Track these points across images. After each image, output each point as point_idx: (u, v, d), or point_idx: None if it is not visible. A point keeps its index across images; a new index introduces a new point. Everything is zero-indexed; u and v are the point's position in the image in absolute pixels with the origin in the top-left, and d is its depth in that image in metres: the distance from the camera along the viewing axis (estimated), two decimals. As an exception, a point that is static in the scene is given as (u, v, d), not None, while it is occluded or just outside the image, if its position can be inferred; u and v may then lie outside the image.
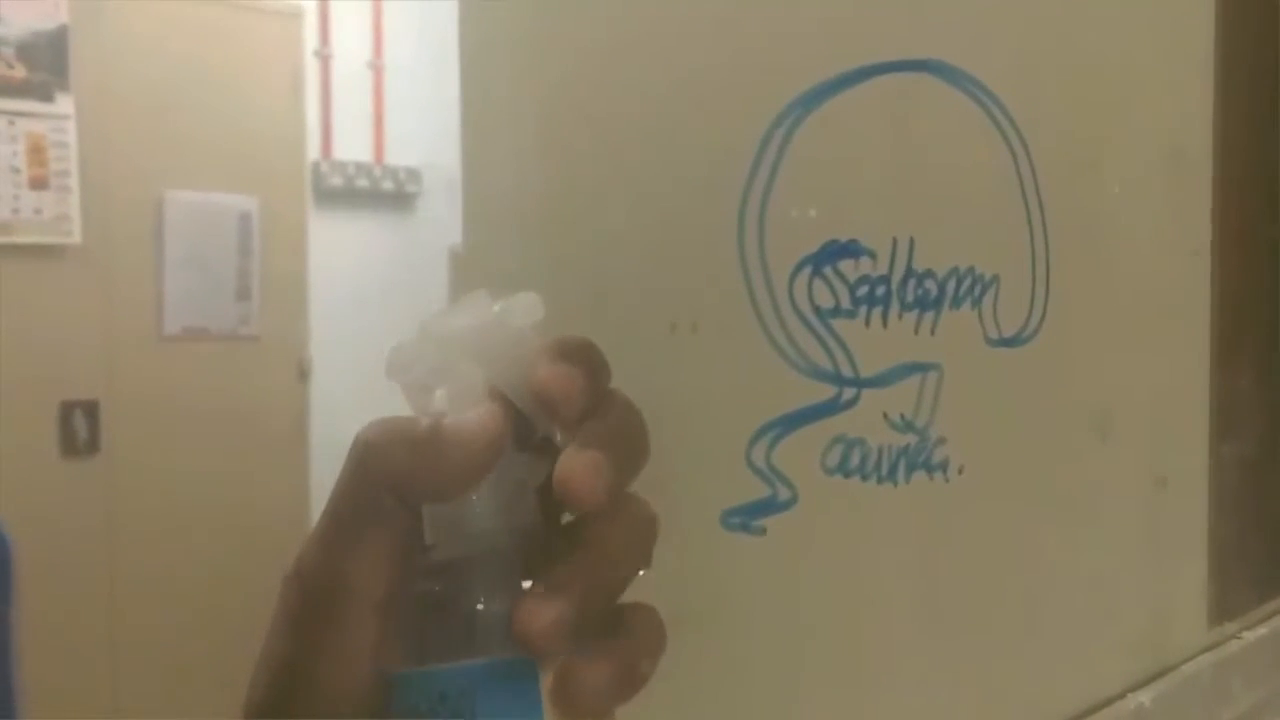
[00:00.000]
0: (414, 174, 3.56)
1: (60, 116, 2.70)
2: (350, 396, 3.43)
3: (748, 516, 0.39)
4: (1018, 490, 0.49)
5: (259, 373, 3.02)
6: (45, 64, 2.68)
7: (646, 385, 0.34)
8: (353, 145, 3.45)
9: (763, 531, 0.39)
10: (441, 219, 3.42)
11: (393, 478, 0.33)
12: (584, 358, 0.32)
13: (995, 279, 0.48)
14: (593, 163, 0.42)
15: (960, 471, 0.46)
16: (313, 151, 3.27)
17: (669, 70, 0.42)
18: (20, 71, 2.66)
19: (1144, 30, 0.58)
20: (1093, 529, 0.53)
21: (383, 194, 3.52)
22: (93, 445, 2.75)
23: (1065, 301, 0.51)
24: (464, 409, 0.32)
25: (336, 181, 3.39)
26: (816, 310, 0.41)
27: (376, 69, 3.50)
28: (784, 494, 0.39)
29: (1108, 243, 0.54)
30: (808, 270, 0.41)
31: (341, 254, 3.37)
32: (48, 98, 2.69)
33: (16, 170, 2.66)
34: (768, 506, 0.39)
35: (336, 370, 3.30)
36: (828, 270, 0.42)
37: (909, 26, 0.44)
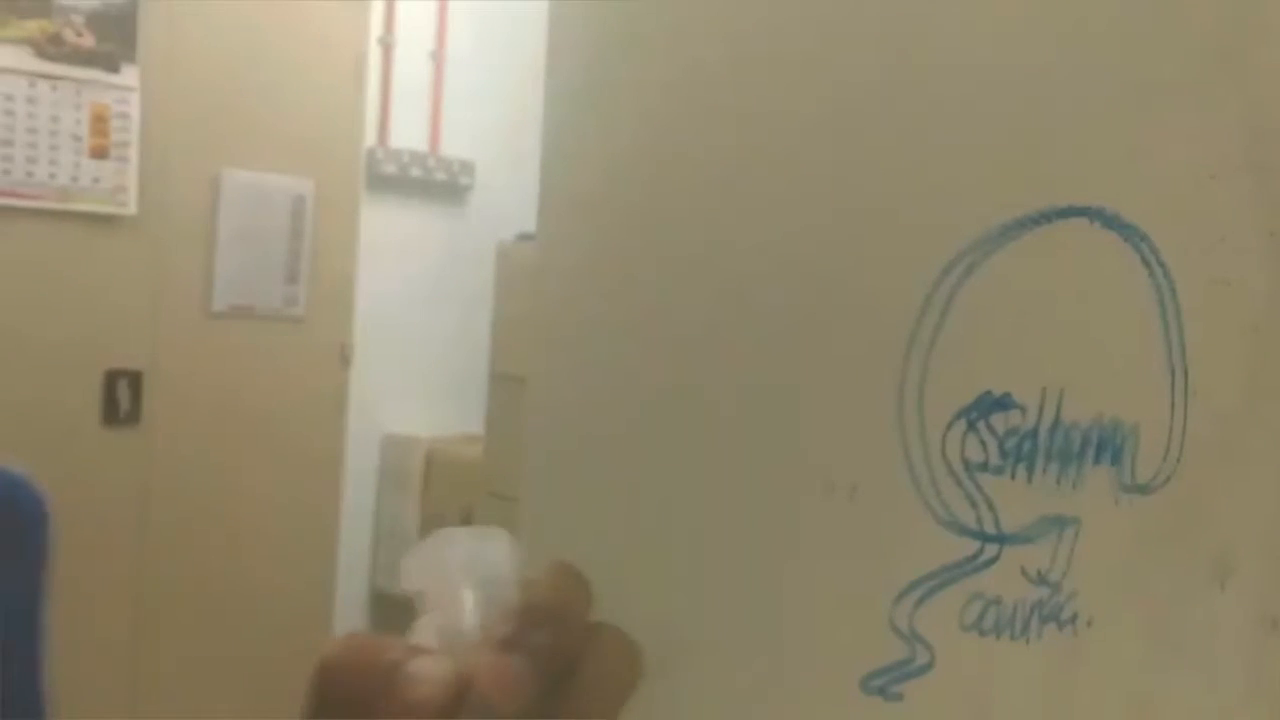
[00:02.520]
0: (467, 166, 3.56)
1: (124, 88, 2.71)
2: (390, 384, 3.45)
3: (888, 680, 0.38)
4: (1140, 640, 0.48)
5: (302, 355, 3.03)
6: (113, 35, 2.69)
7: (794, 547, 0.34)
8: (409, 134, 3.45)
9: (900, 698, 0.38)
10: (492, 213, 3.42)
11: (346, 704, 0.32)
12: (533, 641, 0.31)
13: (1136, 427, 0.47)
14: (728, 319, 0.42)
15: (1089, 624, 0.45)
16: (369, 138, 3.28)
17: (826, 203, 0.41)
18: (89, 40, 2.68)
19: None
20: (1206, 674, 0.52)
21: (435, 184, 3.52)
22: (134, 416, 2.78)
23: (1198, 447, 0.50)
24: (454, 637, 0.32)
25: (391, 169, 3.40)
26: (966, 465, 0.40)
27: (438, 59, 3.50)
28: (923, 657, 0.39)
29: (1243, 379, 0.53)
30: (961, 424, 0.40)
31: (391, 242, 3.38)
32: (113, 68, 2.70)
33: (78, 138, 2.68)
34: (907, 669, 0.38)
35: (378, 357, 3.32)
36: (980, 424, 0.41)
37: (1075, 170, 0.43)
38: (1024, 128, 0.42)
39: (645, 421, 0.45)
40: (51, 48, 2.63)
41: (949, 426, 0.39)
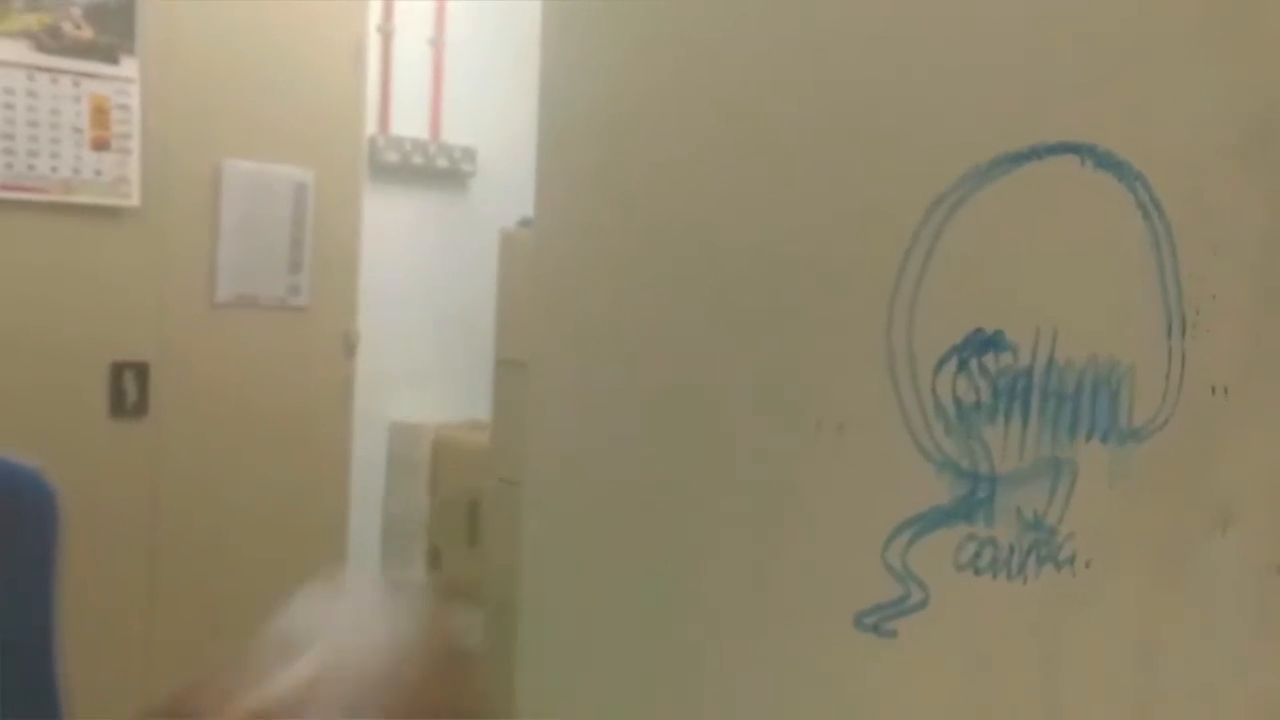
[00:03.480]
0: (469, 153, 3.55)
1: (124, 79, 2.71)
2: (395, 371, 3.45)
3: (881, 617, 0.38)
4: (1140, 582, 0.48)
5: (306, 344, 3.03)
6: (112, 26, 2.69)
7: (787, 486, 0.33)
8: (410, 122, 3.45)
9: (894, 634, 0.38)
10: (495, 198, 3.42)
11: None
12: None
13: (1133, 367, 0.47)
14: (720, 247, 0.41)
15: (1088, 566, 0.45)
16: (370, 126, 3.27)
17: (814, 145, 0.41)
18: (88, 33, 2.67)
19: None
20: (1208, 618, 0.52)
21: (437, 171, 3.52)
22: (141, 407, 2.78)
23: (1196, 392, 0.50)
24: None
25: (392, 157, 3.39)
26: (959, 405, 0.40)
27: (437, 46, 3.49)
28: (917, 595, 0.39)
29: (1243, 327, 0.52)
30: (953, 363, 0.40)
31: (394, 230, 3.38)
32: (113, 60, 2.70)
33: (79, 130, 2.68)
34: (900, 607, 0.38)
35: (383, 345, 3.31)
36: (972, 363, 0.40)
37: (1066, 111, 0.43)
38: (1019, 65, 0.42)
39: (643, 374, 0.45)
40: (50, 40, 2.63)
41: (940, 365, 0.39)
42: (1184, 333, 0.49)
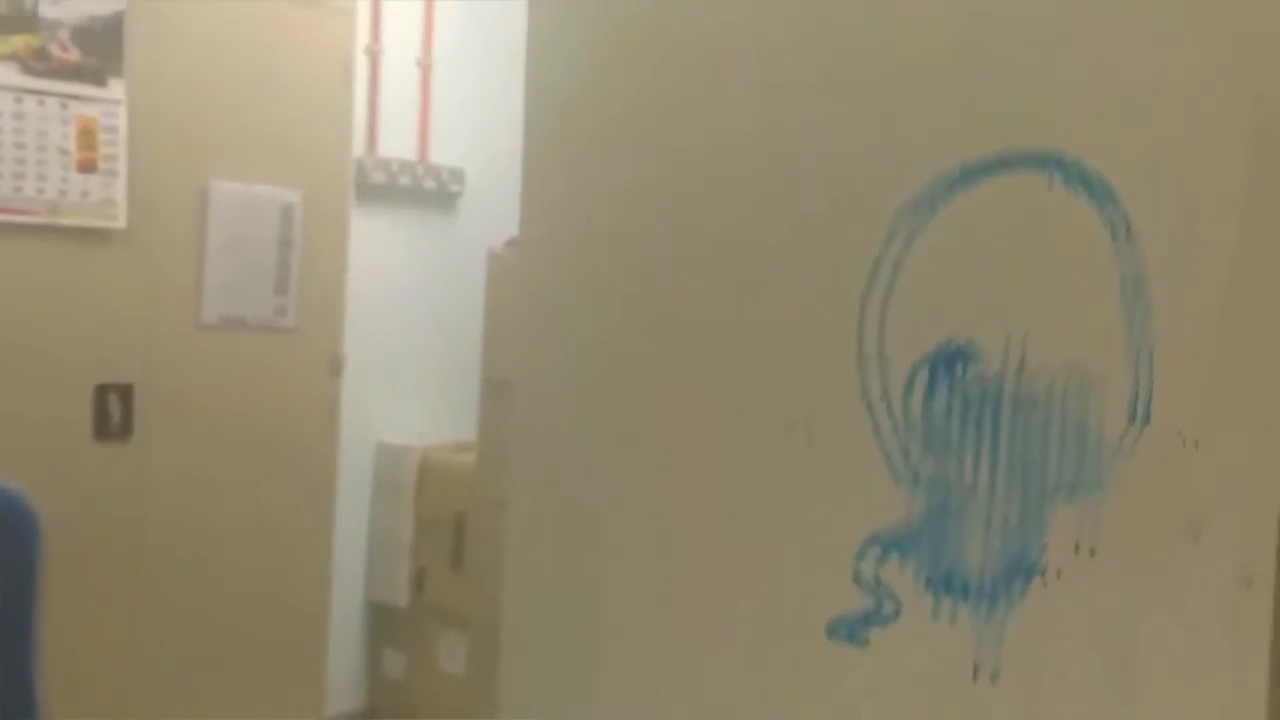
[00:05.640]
0: (457, 174, 3.56)
1: (111, 101, 2.71)
2: (382, 392, 3.45)
3: (853, 627, 0.38)
4: (1113, 591, 0.48)
5: (293, 365, 3.03)
6: (99, 49, 2.69)
7: (759, 486, 0.34)
8: (397, 143, 3.45)
9: (866, 643, 0.38)
10: (482, 219, 3.42)
11: None
12: None
13: (1105, 376, 0.47)
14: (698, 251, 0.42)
15: (1059, 576, 0.45)
16: (357, 147, 3.28)
17: (785, 152, 0.41)
18: (74, 55, 2.68)
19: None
20: (1182, 626, 0.53)
21: (424, 192, 3.52)
22: (126, 429, 2.77)
23: (1168, 401, 0.50)
24: None
25: (379, 178, 3.40)
26: (929, 414, 0.41)
27: (424, 67, 3.50)
28: (888, 607, 0.39)
29: (1211, 339, 0.53)
30: (924, 373, 0.40)
31: (381, 250, 3.38)
32: (100, 82, 2.70)
33: (66, 152, 2.68)
34: (872, 618, 0.38)
35: (370, 366, 3.31)
36: (942, 372, 0.41)
37: (1032, 121, 0.44)
38: (992, 72, 0.42)
39: (623, 392, 0.45)
40: (38, 63, 2.63)
41: (912, 374, 0.40)
42: (1151, 354, 0.49)
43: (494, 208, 3.34)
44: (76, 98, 2.67)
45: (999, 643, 0.43)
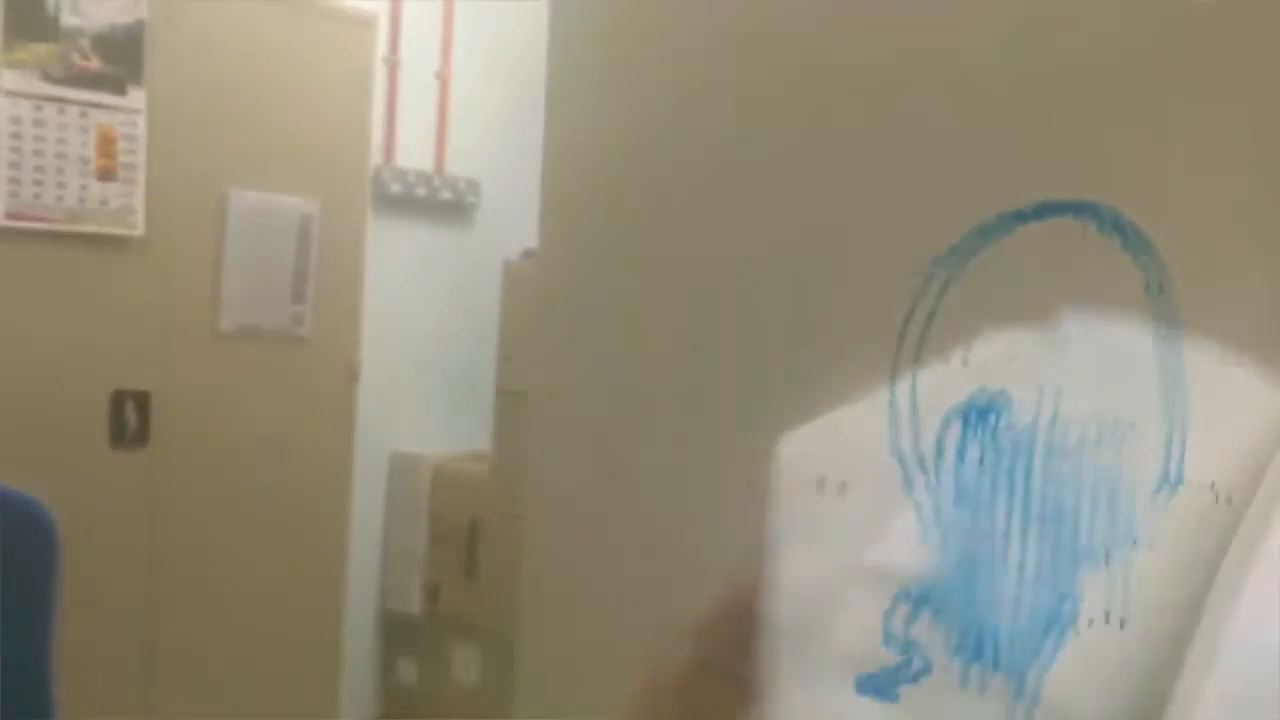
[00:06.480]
0: (473, 185, 3.57)
1: (131, 110, 2.73)
2: (397, 402, 3.45)
3: (884, 683, 0.37)
4: (1151, 644, 0.47)
5: (309, 374, 3.04)
6: (120, 57, 2.71)
7: (783, 534, 0.33)
8: (415, 153, 3.46)
9: (897, 699, 0.37)
10: (498, 230, 3.43)
11: None
12: None
13: (1133, 426, 0.46)
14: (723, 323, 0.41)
15: (1090, 624, 0.44)
16: (375, 157, 3.29)
17: (816, 189, 0.41)
18: (95, 63, 2.69)
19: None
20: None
21: (441, 203, 3.53)
22: (142, 436, 2.78)
23: (1199, 452, 0.49)
24: None
25: (396, 188, 3.41)
26: (962, 464, 0.40)
27: (443, 79, 3.51)
28: (919, 663, 0.38)
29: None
30: (956, 424, 0.40)
31: (397, 261, 3.39)
32: (120, 91, 2.72)
33: (86, 160, 2.69)
34: (900, 675, 0.38)
35: (385, 375, 3.32)
36: (975, 421, 0.40)
37: (1069, 171, 0.43)
38: (1025, 124, 0.42)
39: (643, 408, 0.44)
40: (58, 71, 2.65)
41: (945, 425, 0.39)
42: (1186, 392, 0.48)
43: (509, 219, 3.35)
44: (96, 106, 2.68)
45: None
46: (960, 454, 0.40)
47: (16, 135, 2.60)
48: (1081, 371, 0.43)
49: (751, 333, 0.42)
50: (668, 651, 0.37)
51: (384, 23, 3.29)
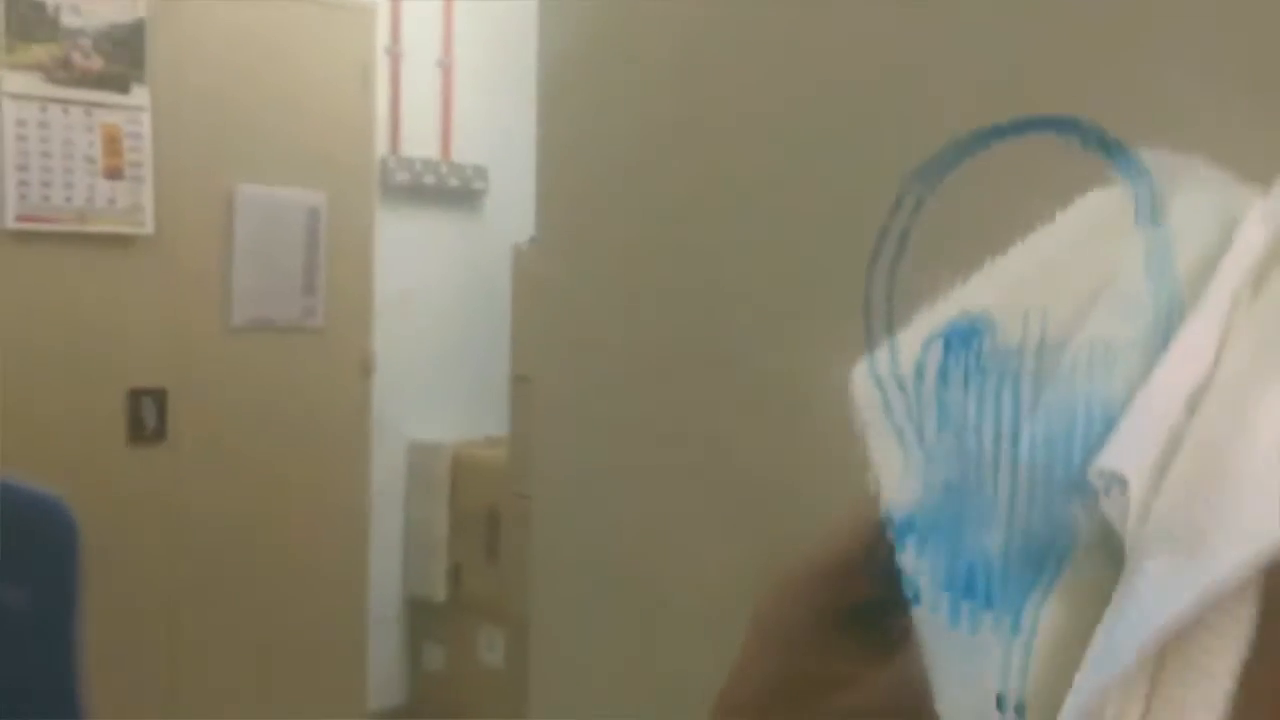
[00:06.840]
0: (480, 171, 3.56)
1: (135, 108, 2.73)
2: (412, 390, 3.46)
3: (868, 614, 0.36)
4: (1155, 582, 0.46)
5: (323, 366, 3.04)
6: (122, 56, 2.71)
7: (778, 482, 0.32)
8: (420, 142, 3.46)
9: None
10: (507, 216, 3.42)
11: None
12: None
13: (1130, 347, 0.45)
14: (698, 221, 0.40)
15: (1087, 554, 0.43)
16: (381, 147, 3.29)
17: (783, 119, 0.40)
18: (97, 63, 2.69)
19: None
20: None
21: (449, 191, 3.52)
22: (160, 433, 2.79)
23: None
24: None
25: (403, 177, 3.40)
26: (945, 386, 0.39)
27: (445, 67, 3.50)
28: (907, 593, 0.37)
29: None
30: (938, 346, 0.39)
31: (407, 249, 3.39)
32: (124, 89, 2.72)
33: (92, 160, 2.70)
34: (888, 605, 0.37)
35: (399, 364, 3.32)
36: (957, 345, 0.39)
37: (1056, 84, 0.42)
38: (1005, 32, 0.41)
39: (647, 388, 0.44)
40: (61, 71, 2.65)
41: (925, 349, 0.38)
42: (1177, 318, 0.47)
43: (518, 204, 3.33)
44: (100, 105, 2.69)
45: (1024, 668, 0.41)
46: (943, 376, 0.39)
47: (22, 138, 2.61)
48: (1069, 293, 0.42)
49: (745, 300, 0.41)
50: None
51: (384, 13, 3.28)
